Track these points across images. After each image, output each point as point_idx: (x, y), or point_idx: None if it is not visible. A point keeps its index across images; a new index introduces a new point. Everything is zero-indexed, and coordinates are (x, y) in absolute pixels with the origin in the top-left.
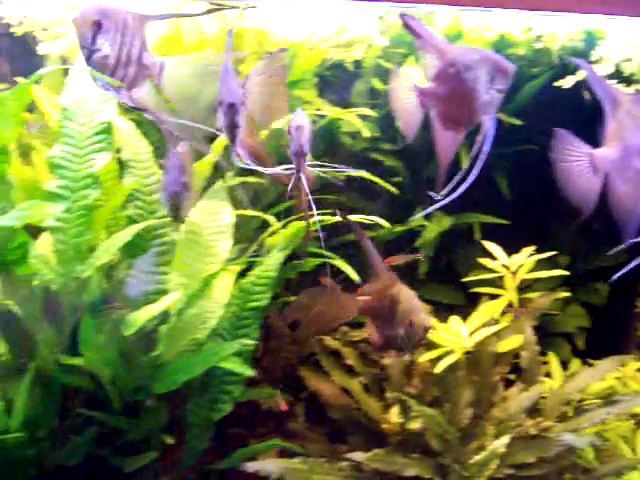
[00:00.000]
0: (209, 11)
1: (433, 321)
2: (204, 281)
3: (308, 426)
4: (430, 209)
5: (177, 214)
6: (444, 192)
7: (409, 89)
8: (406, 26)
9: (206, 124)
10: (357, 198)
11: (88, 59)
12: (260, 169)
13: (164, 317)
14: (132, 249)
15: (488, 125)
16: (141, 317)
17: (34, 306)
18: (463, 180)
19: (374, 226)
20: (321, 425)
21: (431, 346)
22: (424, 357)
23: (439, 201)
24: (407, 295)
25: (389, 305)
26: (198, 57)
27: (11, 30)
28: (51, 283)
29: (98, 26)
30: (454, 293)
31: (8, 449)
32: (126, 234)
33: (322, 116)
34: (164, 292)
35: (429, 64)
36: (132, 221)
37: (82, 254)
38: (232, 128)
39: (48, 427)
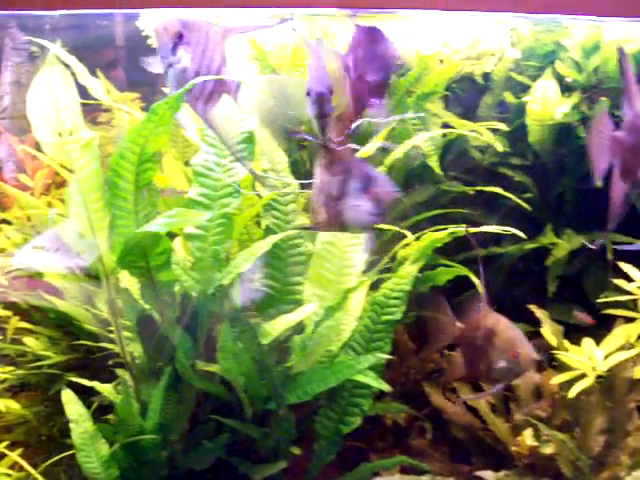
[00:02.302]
0: (281, 22)
1: (565, 343)
2: (343, 294)
3: (429, 443)
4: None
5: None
6: None
7: (606, 131)
8: (619, 60)
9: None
10: (486, 214)
11: (167, 70)
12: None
13: (298, 328)
14: (267, 258)
15: None
16: (278, 327)
17: (173, 311)
18: None
19: (502, 243)
20: (441, 443)
21: (562, 368)
22: (556, 379)
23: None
24: (507, 326)
25: (484, 336)
26: (276, 78)
27: (149, 42)
28: (191, 290)
29: (179, 37)
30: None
31: (142, 450)
32: (265, 243)
33: (451, 128)
34: (298, 303)
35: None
36: (269, 230)
37: (220, 262)
38: (322, 117)
39: (180, 431)
